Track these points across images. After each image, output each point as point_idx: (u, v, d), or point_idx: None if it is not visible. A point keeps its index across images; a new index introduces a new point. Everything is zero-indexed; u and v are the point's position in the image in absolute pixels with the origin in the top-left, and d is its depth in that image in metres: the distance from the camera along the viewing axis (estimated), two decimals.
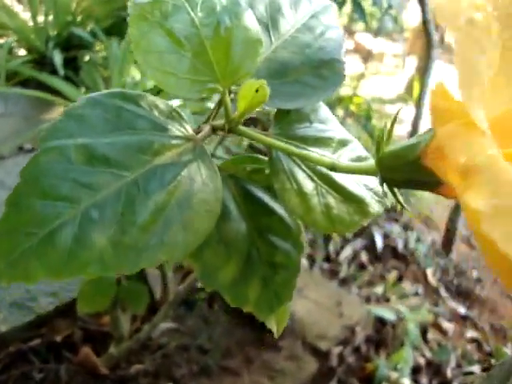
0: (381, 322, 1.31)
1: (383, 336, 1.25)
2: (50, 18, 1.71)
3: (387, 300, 1.55)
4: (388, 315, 1.02)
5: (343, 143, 0.32)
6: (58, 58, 1.62)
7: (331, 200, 0.29)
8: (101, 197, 0.24)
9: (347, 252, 1.83)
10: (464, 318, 1.72)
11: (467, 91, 0.16)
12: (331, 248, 1.82)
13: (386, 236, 1.99)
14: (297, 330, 1.16)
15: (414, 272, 1.91)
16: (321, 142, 0.31)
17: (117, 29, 1.67)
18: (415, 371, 1.24)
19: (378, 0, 1.15)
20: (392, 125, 0.25)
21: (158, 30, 0.25)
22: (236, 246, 0.31)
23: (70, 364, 0.89)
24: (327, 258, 1.79)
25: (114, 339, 0.90)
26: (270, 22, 0.32)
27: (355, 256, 1.86)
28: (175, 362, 1.00)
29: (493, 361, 1.32)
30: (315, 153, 0.30)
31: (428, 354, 1.28)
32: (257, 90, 0.23)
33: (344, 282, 1.66)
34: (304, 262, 1.67)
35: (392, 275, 1.71)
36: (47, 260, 0.23)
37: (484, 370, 1.29)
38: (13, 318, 0.89)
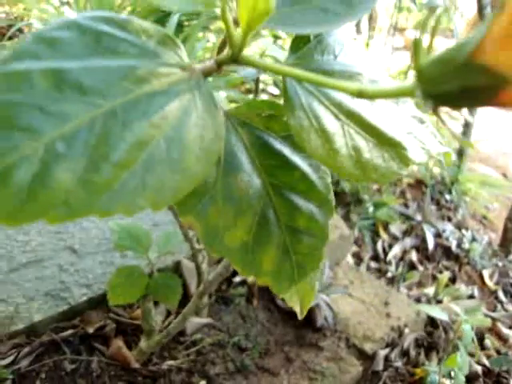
0: (432, 324, 1.21)
1: (434, 340, 1.16)
2: None
3: (439, 302, 1.44)
4: (440, 315, 0.93)
5: (374, 82, 0.26)
6: None
7: (361, 142, 0.24)
8: (70, 128, 0.20)
9: (396, 251, 1.73)
10: None
11: None
12: (379, 246, 1.73)
13: (437, 235, 1.87)
14: (340, 330, 1.09)
15: (468, 273, 1.78)
16: (348, 76, 0.25)
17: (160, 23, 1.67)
18: (470, 380, 1.13)
19: None
20: (433, 34, 0.19)
21: None
22: (247, 204, 0.26)
23: (101, 356, 0.86)
24: (375, 257, 1.70)
25: (144, 333, 0.86)
26: None
27: (404, 255, 1.76)
28: (210, 360, 0.95)
29: None
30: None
31: (486, 362, 1.17)
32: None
33: (392, 282, 1.56)
34: (350, 259, 1.59)
35: (444, 275, 1.60)
36: (1, 202, 0.19)
37: None
38: (47, 307, 0.88)
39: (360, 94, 0.21)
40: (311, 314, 1.07)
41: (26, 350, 0.82)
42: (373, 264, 1.64)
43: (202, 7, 0.22)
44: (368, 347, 1.06)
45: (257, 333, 1.04)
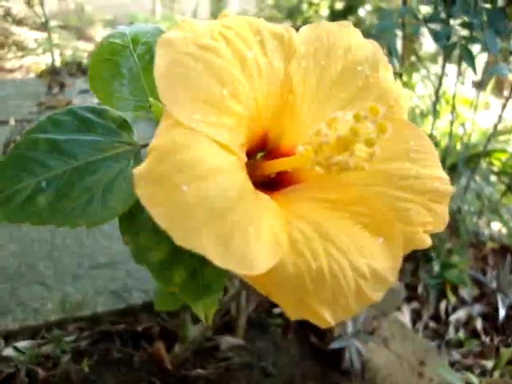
0: None
1: None
2: None
3: (491, 376, 1.37)
4: (455, 381, 0.93)
5: None
6: None
7: None
8: (51, 174, 0.35)
9: (460, 314, 1.67)
10: None
11: (170, 98, 0.22)
12: (442, 307, 1.68)
13: None
14: (368, 378, 1.12)
15: None
16: None
17: None
18: None
19: (492, 46, 1.04)
20: None
21: (108, 63, 0.35)
22: (166, 236, 0.38)
23: (143, 352, 1.02)
24: (436, 317, 1.66)
25: (179, 340, 1.00)
26: None
27: (469, 321, 1.68)
28: (236, 377, 1.06)
29: None
30: None
31: None
32: (149, 106, 0.31)
33: (448, 346, 1.52)
34: (407, 315, 1.59)
35: (509, 350, 1.50)
36: (6, 209, 0.34)
37: None
38: (109, 302, 1.06)
39: None
40: (339, 356, 1.13)
41: (86, 333, 1.00)
42: (431, 324, 1.61)
43: (138, 110, 0.36)
44: None
45: (285, 362, 1.12)
